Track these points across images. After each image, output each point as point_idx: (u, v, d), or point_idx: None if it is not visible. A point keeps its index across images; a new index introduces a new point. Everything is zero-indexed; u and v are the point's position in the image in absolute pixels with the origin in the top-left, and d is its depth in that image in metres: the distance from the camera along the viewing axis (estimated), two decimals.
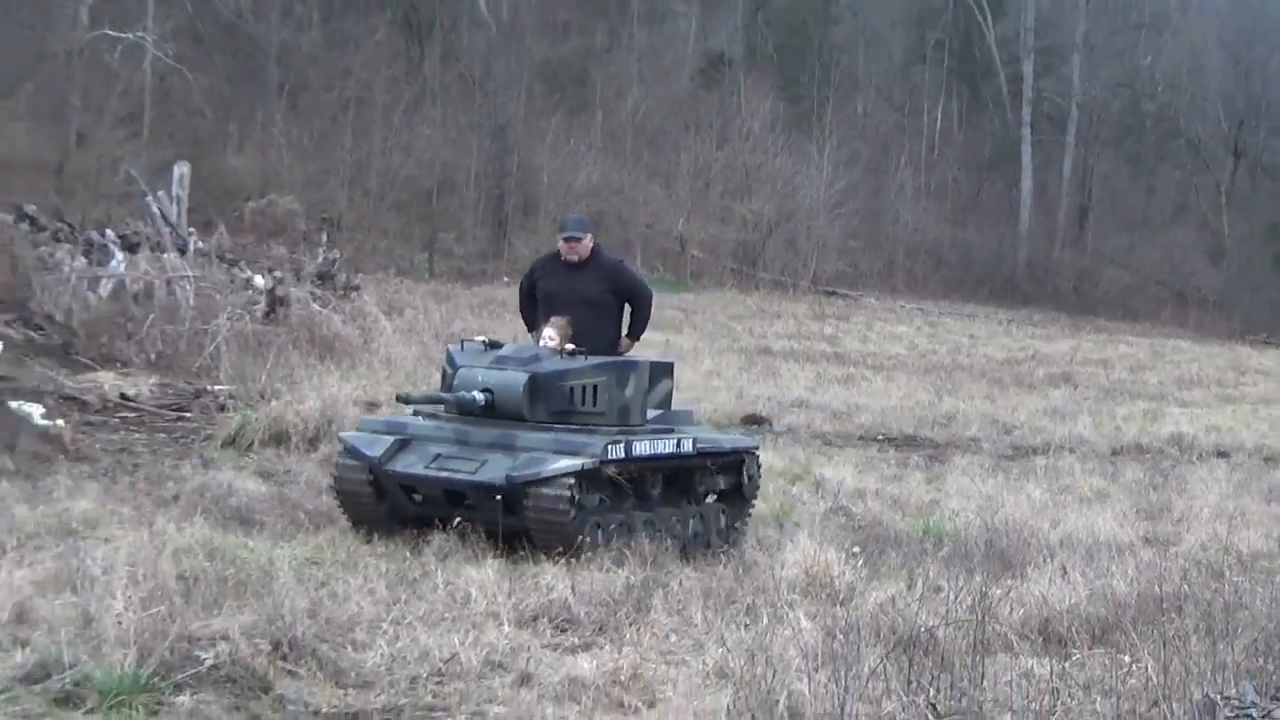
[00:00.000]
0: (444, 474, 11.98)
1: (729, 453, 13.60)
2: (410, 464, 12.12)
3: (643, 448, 12.36)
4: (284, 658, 8.64)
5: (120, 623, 8.49)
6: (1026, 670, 8.34)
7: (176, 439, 17.47)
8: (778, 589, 10.75)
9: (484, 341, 13.06)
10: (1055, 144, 77.42)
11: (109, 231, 27.89)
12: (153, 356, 21.30)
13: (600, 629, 9.88)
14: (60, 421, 16.77)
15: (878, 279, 64.51)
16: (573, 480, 11.63)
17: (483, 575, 10.72)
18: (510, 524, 11.79)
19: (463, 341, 13.09)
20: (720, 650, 8.87)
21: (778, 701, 7.33)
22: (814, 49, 74.03)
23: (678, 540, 12.49)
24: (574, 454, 11.77)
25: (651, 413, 13.04)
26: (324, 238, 35.79)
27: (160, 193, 30.08)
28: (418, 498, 12.41)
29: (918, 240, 69.73)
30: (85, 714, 7.58)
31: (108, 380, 19.74)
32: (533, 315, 13.53)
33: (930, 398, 26.99)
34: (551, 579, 10.74)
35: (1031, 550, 12.84)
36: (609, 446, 11.91)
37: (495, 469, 11.73)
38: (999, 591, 10.26)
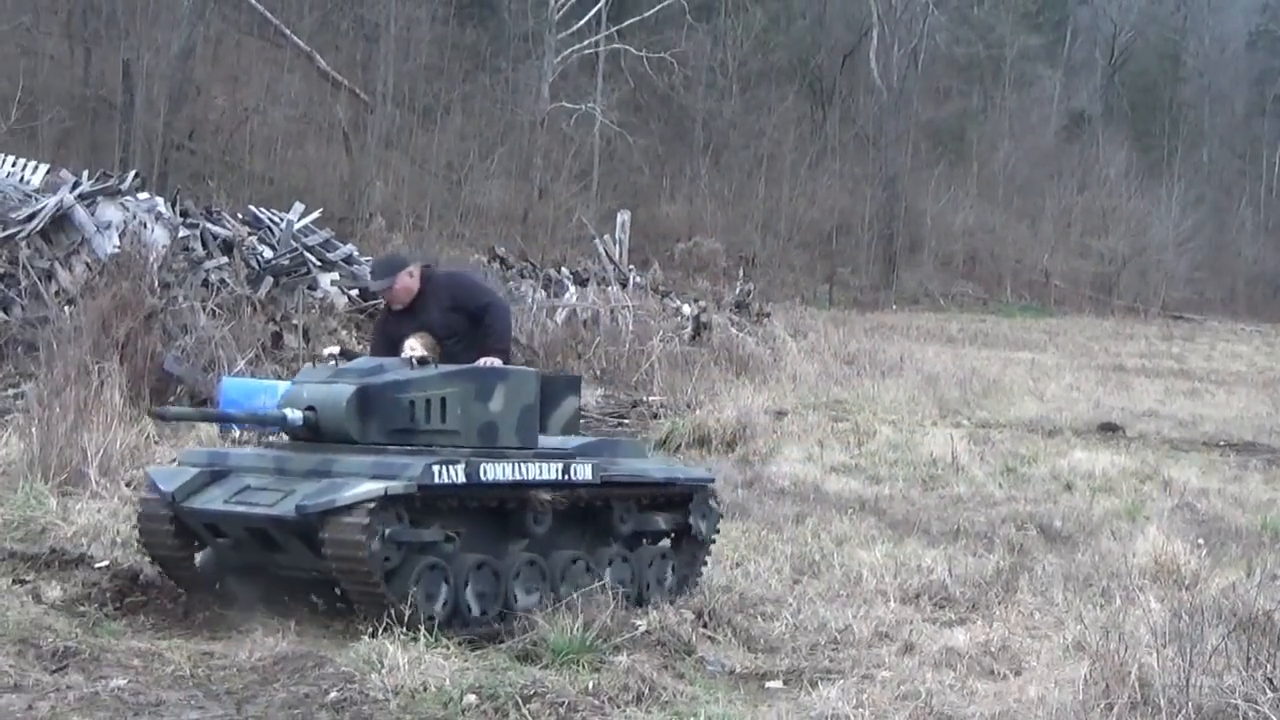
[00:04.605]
0: (241, 508, 8.38)
1: (661, 485, 9.62)
2: (211, 499, 8.54)
3: (499, 472, 8.52)
4: (705, 625, 8.71)
5: None
6: None
7: None
8: (1129, 574, 10.43)
9: (333, 355, 9.51)
10: None
11: (564, 269, 28.55)
12: (599, 372, 21.71)
13: (973, 606, 9.71)
14: None
15: (1220, 305, 62.35)
16: (372, 508, 7.97)
17: (873, 558, 10.66)
18: (323, 568, 8.26)
19: (314, 358, 9.40)
20: (1078, 627, 8.64)
21: (1129, 673, 7.10)
22: (1164, 105, 72.28)
23: (579, 589, 8.69)
24: (390, 477, 8.12)
25: (558, 440, 9.40)
26: (741, 273, 36.03)
27: (606, 236, 30.71)
28: (226, 540, 8.80)
29: (1257, 270, 67.35)
30: (541, 669, 7.71)
31: None
32: None
33: (1268, 409, 25.88)
34: (931, 562, 10.61)
35: None
36: (437, 468, 8.20)
37: (295, 499, 8.18)
38: None
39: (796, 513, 12.98)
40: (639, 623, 8.40)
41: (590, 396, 20.09)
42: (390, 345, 9.39)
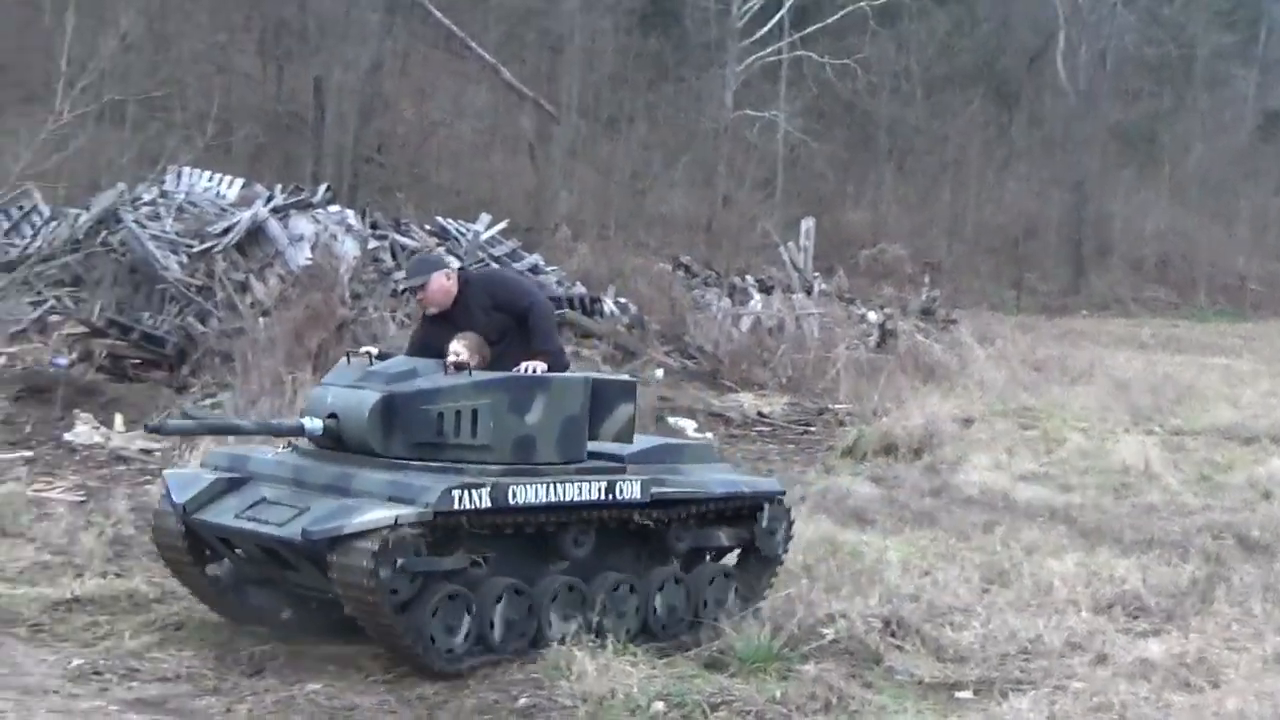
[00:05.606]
0: (250, 525, 7.91)
1: (721, 500, 8.92)
2: (223, 511, 8.09)
3: (529, 494, 7.90)
4: (892, 634, 8.67)
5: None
6: None
7: (803, 449, 17.71)
8: None
9: (369, 353, 8.68)
10: None
11: (748, 277, 28.55)
12: (784, 380, 21.66)
13: (1168, 617, 9.55)
14: (709, 434, 17.22)
15: None
16: (382, 537, 7.44)
17: (1064, 568, 10.52)
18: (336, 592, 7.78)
19: (349, 354, 8.80)
20: (1278, 639, 8.45)
21: None
22: None
23: (624, 618, 8.39)
24: (407, 501, 7.61)
25: (611, 448, 8.68)
26: (926, 279, 35.71)
27: (790, 243, 30.59)
28: (240, 555, 8.42)
29: None
30: (729, 676, 7.74)
31: (747, 400, 20.19)
32: None
33: None
34: (1124, 572, 10.44)
35: None
36: (457, 493, 7.63)
37: (303, 521, 7.69)
38: None
39: (985, 521, 12.86)
40: (826, 631, 8.40)
41: (776, 405, 20.09)
42: (428, 355, 8.59)
